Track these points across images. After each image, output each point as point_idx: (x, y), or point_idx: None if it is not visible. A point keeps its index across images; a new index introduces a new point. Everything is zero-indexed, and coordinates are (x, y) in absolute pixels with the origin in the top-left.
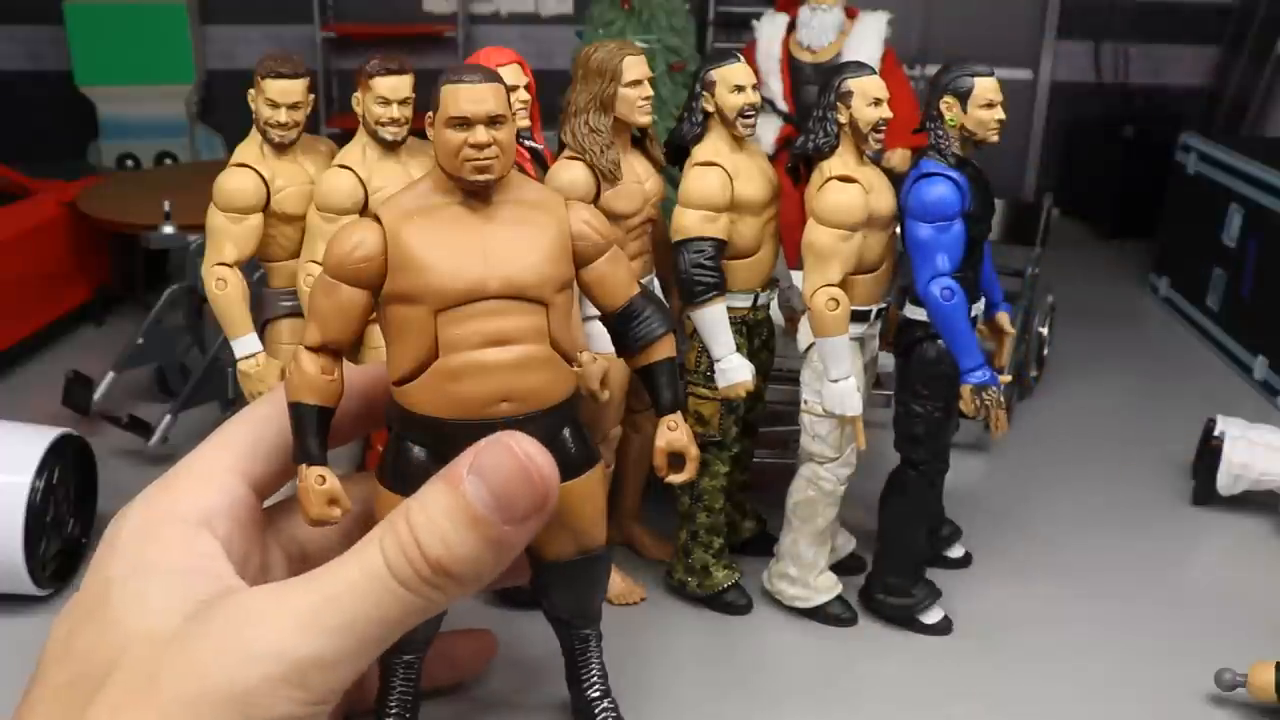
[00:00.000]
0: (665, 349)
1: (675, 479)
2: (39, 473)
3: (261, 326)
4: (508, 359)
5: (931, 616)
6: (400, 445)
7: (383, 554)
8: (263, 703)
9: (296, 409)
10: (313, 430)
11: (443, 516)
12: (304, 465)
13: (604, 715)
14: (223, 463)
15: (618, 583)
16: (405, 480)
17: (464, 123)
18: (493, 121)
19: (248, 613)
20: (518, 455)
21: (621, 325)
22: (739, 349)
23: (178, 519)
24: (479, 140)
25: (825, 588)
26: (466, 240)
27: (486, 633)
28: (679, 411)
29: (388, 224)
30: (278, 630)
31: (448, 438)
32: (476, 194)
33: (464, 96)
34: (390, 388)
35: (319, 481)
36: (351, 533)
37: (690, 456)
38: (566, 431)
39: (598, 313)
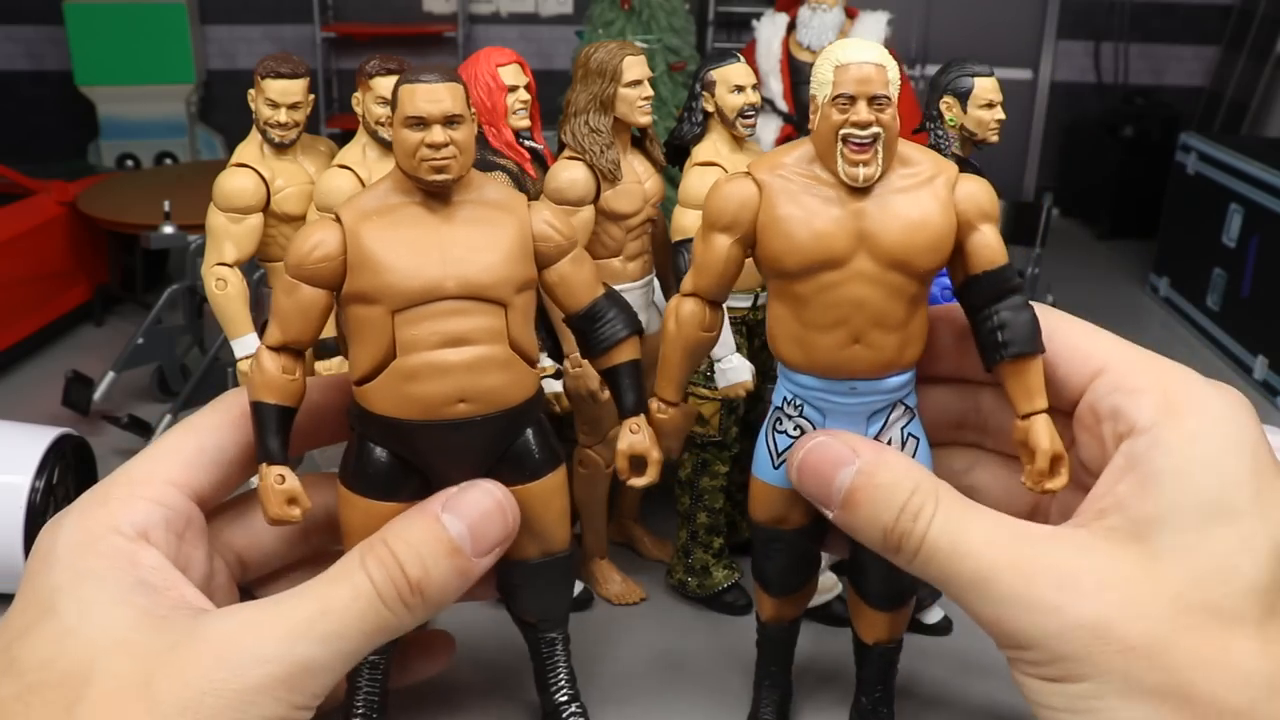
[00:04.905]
0: (629, 351)
1: (636, 483)
2: (39, 473)
3: (261, 326)
4: (464, 359)
5: (931, 616)
6: (362, 446)
7: (368, 574)
8: (260, 701)
9: (257, 408)
10: (273, 429)
11: (423, 545)
12: (264, 464)
13: None
14: (160, 474)
15: (618, 583)
16: (368, 482)
17: (420, 122)
18: (449, 121)
19: (244, 622)
20: (496, 496)
21: (585, 327)
22: (739, 349)
23: (114, 532)
24: (435, 140)
25: (825, 588)
26: (424, 240)
27: (443, 633)
28: (642, 414)
29: (347, 224)
30: (276, 636)
31: (408, 438)
32: (436, 194)
33: (420, 96)
34: (351, 388)
35: (278, 481)
36: (293, 538)
37: (651, 460)
38: (529, 433)
39: None
